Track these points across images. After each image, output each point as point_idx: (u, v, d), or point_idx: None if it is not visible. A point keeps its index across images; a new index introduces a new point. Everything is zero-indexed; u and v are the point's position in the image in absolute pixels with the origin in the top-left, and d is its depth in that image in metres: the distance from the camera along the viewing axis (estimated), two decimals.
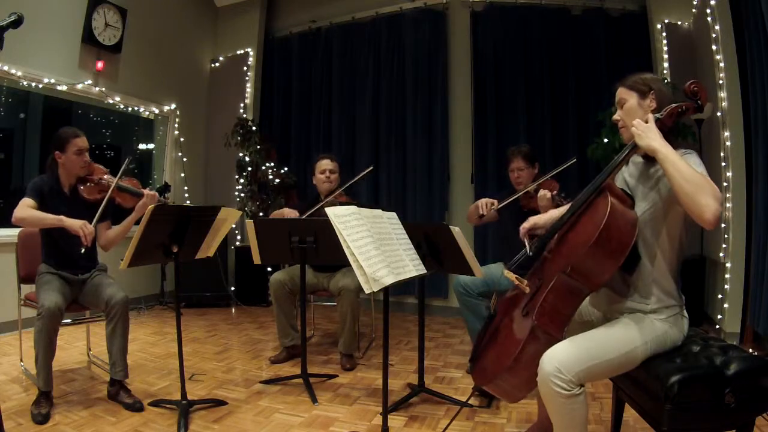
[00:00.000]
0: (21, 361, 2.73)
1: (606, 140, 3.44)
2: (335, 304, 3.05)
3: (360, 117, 4.94)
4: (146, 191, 2.47)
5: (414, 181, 4.68)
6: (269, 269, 4.53)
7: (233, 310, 4.67)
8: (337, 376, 2.81)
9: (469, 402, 2.30)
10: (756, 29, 2.86)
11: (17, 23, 1.28)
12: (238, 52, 5.37)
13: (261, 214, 4.68)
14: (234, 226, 4.54)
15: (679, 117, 1.46)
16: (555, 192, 2.41)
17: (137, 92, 4.67)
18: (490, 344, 1.62)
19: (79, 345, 3.24)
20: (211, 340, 3.57)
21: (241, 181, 4.92)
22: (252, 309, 4.67)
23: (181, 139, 5.18)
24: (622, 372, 1.48)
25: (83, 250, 2.24)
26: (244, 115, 5.17)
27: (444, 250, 2.36)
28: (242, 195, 4.90)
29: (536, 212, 2.37)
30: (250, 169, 4.86)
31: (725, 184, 3.23)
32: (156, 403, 2.31)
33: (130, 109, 4.78)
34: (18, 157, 4.34)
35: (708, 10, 3.34)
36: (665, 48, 3.95)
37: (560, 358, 1.36)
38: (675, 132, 1.54)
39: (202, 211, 2.28)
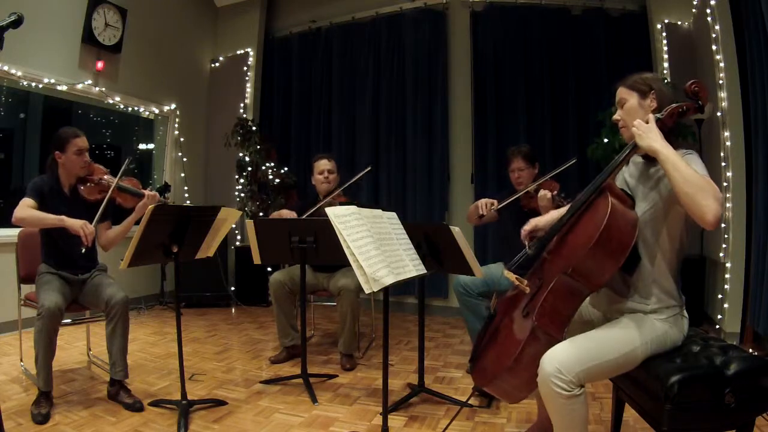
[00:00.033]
0: (21, 361, 2.73)
1: (606, 140, 3.43)
2: (335, 304, 3.05)
3: (360, 117, 4.94)
4: (146, 191, 2.47)
5: (414, 181, 4.68)
6: (269, 269, 4.53)
7: (233, 310, 4.67)
8: (337, 376, 2.81)
9: (469, 402, 2.30)
10: (756, 29, 2.86)
11: (17, 23, 1.28)
12: (238, 52, 5.37)
13: (261, 214, 4.68)
14: (234, 226, 4.55)
15: (680, 117, 1.46)
16: (555, 192, 2.40)
17: (137, 92, 4.67)
18: (490, 344, 1.62)
19: (79, 345, 3.24)
20: (211, 340, 3.57)
21: (241, 181, 4.92)
22: (252, 309, 4.67)
23: (181, 139, 5.18)
24: (623, 372, 1.48)
25: (83, 250, 2.24)
26: (244, 115, 5.17)
27: (444, 250, 2.36)
28: (242, 195, 4.90)
29: (536, 212, 2.37)
30: (250, 169, 4.86)
31: (725, 184, 3.23)
32: (156, 403, 2.31)
33: (130, 109, 4.78)
34: (18, 157, 4.34)
35: (708, 10, 3.34)
36: (665, 48, 3.95)
37: (560, 358, 1.36)
38: (675, 132, 1.53)
39: (202, 211, 2.28)
